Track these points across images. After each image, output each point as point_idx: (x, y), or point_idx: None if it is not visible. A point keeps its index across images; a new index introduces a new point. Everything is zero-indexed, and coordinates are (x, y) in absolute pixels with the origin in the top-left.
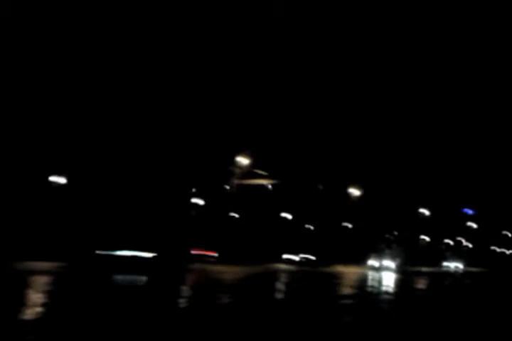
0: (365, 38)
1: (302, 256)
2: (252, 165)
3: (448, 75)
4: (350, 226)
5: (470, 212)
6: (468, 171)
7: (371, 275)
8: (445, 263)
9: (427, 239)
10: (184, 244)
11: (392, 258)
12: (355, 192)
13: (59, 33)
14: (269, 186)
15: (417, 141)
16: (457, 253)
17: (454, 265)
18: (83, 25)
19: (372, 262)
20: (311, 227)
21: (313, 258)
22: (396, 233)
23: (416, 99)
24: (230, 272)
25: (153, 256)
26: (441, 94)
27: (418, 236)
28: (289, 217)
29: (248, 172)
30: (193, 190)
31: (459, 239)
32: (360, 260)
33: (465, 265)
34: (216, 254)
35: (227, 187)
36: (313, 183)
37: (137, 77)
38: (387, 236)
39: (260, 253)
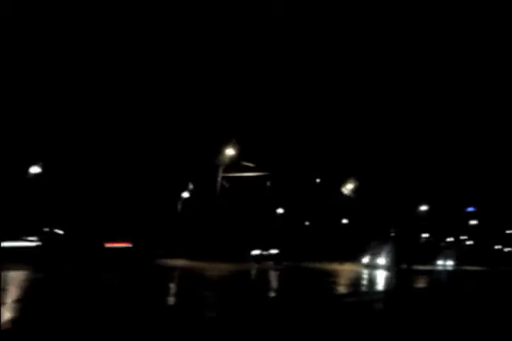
0: (365, 37)
1: (273, 251)
2: (239, 157)
3: (449, 72)
4: (345, 222)
5: (473, 209)
6: (471, 168)
7: (357, 273)
8: (439, 262)
9: (427, 236)
10: (97, 235)
11: (387, 256)
12: (352, 186)
13: (59, 33)
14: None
15: (417, 136)
16: (456, 251)
17: (447, 263)
18: (83, 25)
19: (365, 260)
20: (307, 223)
21: (283, 254)
22: (394, 230)
23: (417, 95)
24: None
25: (37, 246)
26: (442, 90)
27: (418, 234)
28: (280, 211)
29: (235, 164)
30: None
31: (462, 237)
32: (354, 257)
33: (465, 264)
34: (130, 245)
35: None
36: (305, 176)
37: (122, 68)
38: (384, 233)
39: (222, 248)
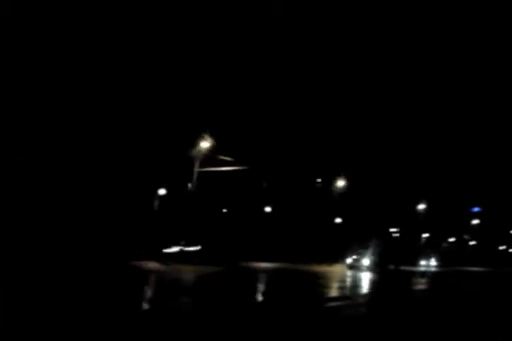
0: (364, 36)
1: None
2: (217, 151)
3: (450, 68)
4: (339, 221)
5: (478, 209)
6: (475, 167)
7: (339, 276)
8: (423, 262)
9: (428, 236)
10: None
11: (371, 256)
12: (347, 184)
13: (59, 33)
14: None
15: (419, 134)
16: (454, 251)
17: (430, 263)
18: (83, 25)
19: (349, 260)
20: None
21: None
22: (392, 229)
23: (416, 91)
24: None
25: None
26: (443, 87)
27: (417, 234)
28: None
29: (211, 159)
30: None
31: (465, 237)
32: (338, 257)
33: (467, 264)
34: None
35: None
36: (295, 173)
37: (103, 64)
38: (380, 232)
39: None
